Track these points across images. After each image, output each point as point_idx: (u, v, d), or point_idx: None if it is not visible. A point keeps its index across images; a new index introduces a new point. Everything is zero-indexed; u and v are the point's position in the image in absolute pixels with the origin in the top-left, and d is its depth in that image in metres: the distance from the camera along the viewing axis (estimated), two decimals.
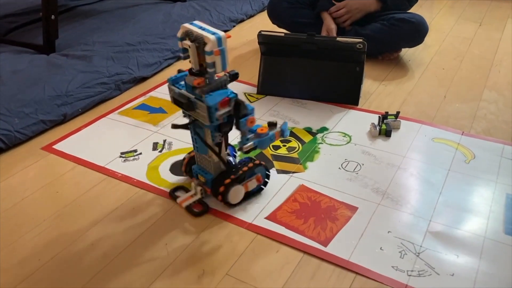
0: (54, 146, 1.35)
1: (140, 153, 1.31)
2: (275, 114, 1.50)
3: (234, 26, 2.29)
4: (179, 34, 0.96)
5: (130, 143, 1.36)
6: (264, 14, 2.13)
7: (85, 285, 0.92)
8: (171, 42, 1.96)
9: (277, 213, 1.09)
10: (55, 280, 0.93)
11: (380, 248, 0.99)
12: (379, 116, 1.41)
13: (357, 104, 1.55)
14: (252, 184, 1.10)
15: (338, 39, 1.54)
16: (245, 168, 1.08)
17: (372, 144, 1.34)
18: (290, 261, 0.96)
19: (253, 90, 1.64)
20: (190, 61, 0.97)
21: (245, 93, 1.62)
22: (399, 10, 1.84)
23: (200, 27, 0.95)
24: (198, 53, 0.95)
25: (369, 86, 1.68)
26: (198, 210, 1.09)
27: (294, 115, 1.49)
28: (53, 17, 1.84)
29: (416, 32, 1.79)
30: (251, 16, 2.42)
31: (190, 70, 0.99)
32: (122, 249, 1.00)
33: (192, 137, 1.07)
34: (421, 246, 0.99)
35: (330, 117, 1.48)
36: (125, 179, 1.21)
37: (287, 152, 1.31)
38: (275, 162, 1.26)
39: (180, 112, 1.47)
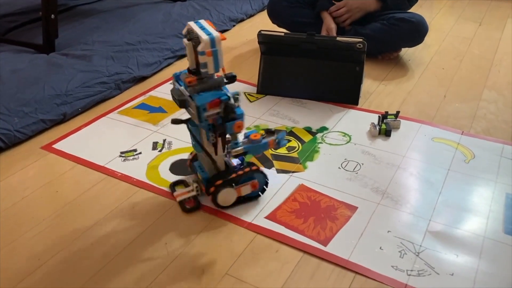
0: (53, 146, 1.35)
1: (140, 153, 1.31)
2: (275, 113, 1.50)
3: (234, 25, 2.28)
4: (183, 31, 0.97)
5: (130, 142, 1.36)
6: (264, 14, 2.13)
7: (84, 284, 0.92)
8: (171, 42, 1.96)
9: (277, 212, 1.09)
10: (54, 280, 0.93)
11: (380, 248, 0.99)
12: (379, 116, 1.41)
13: (357, 103, 1.55)
14: (246, 189, 1.08)
15: (338, 38, 1.54)
16: (240, 172, 1.06)
17: (372, 144, 1.34)
18: (290, 260, 0.96)
19: (253, 89, 1.64)
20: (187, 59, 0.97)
21: (245, 93, 1.62)
22: (399, 10, 1.84)
23: (201, 27, 0.95)
24: (195, 52, 0.95)
25: (369, 85, 1.68)
26: (190, 206, 1.09)
27: (294, 114, 1.49)
28: (53, 16, 1.83)
29: (416, 31, 1.79)
30: (251, 16, 2.41)
31: (188, 68, 0.99)
32: (122, 249, 1.00)
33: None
34: (420, 245, 0.99)
35: (330, 117, 1.48)
36: (125, 179, 1.21)
37: (287, 152, 1.31)
38: (275, 162, 1.26)
39: (180, 111, 1.47)
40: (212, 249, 0.99)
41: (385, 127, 1.37)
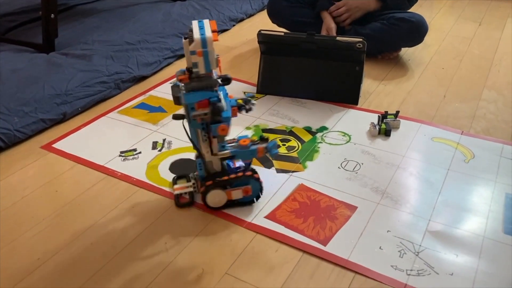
0: (53, 145, 1.35)
1: (140, 152, 1.31)
2: (275, 113, 1.50)
3: (234, 25, 2.28)
4: (188, 29, 0.97)
5: (130, 142, 1.36)
6: (264, 13, 2.13)
7: (84, 284, 0.92)
8: (171, 41, 1.96)
9: (277, 212, 1.09)
10: (54, 279, 0.93)
11: (380, 248, 0.99)
12: (378, 116, 1.41)
13: (356, 103, 1.55)
14: (237, 193, 1.07)
15: (338, 38, 1.54)
16: (233, 176, 1.06)
17: (372, 144, 1.34)
18: (290, 260, 0.96)
19: (253, 89, 1.64)
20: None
21: (244, 92, 1.62)
22: (399, 10, 1.84)
23: (201, 26, 0.96)
24: None
25: (368, 85, 1.68)
26: (183, 201, 1.10)
27: (294, 114, 1.49)
28: (52, 16, 1.83)
29: (415, 31, 1.79)
30: (251, 15, 2.42)
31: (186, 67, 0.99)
32: (122, 248, 1.00)
33: None
34: (420, 245, 1.00)
35: (330, 117, 1.48)
36: (125, 178, 1.21)
37: (286, 151, 1.31)
38: (274, 161, 1.26)
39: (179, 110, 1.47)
40: (212, 248, 1.00)
41: (384, 126, 1.37)
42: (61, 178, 1.22)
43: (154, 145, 1.35)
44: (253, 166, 1.11)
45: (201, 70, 0.94)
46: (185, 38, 0.94)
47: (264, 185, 1.11)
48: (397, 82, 1.72)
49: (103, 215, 1.09)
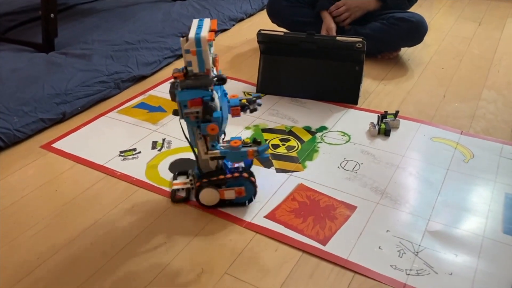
0: (53, 145, 1.35)
1: (139, 152, 1.31)
2: (274, 113, 1.50)
3: (233, 25, 2.28)
4: (188, 28, 0.98)
5: (129, 141, 1.36)
6: (264, 13, 2.13)
7: (83, 283, 0.92)
8: (171, 41, 1.96)
9: (276, 212, 1.09)
10: (54, 279, 0.93)
11: (379, 247, 0.99)
12: (378, 116, 1.41)
13: (356, 103, 1.55)
14: (230, 194, 1.07)
15: (337, 38, 1.54)
16: (228, 176, 1.06)
17: (371, 144, 1.34)
18: (289, 260, 0.96)
19: (253, 89, 1.64)
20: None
21: (244, 92, 1.62)
22: (398, 9, 1.84)
23: (199, 25, 0.96)
24: None
25: (368, 85, 1.68)
26: (179, 197, 1.11)
27: (293, 114, 1.49)
28: (52, 15, 1.83)
29: (415, 31, 1.79)
30: (250, 15, 2.41)
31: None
32: (121, 248, 1.00)
33: None
34: (419, 245, 1.00)
35: (329, 116, 1.48)
36: (124, 178, 1.21)
37: (286, 151, 1.31)
38: (274, 161, 1.26)
39: None
40: (211, 248, 1.00)
41: (384, 126, 1.37)
42: (60, 178, 1.22)
43: (154, 144, 1.35)
44: (253, 167, 1.12)
45: (195, 68, 0.95)
46: (182, 37, 0.95)
47: (261, 187, 1.11)
48: (397, 82, 1.72)
49: (103, 215, 1.09)
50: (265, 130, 1.40)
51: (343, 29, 1.85)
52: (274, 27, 1.93)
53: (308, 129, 1.41)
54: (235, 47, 2.02)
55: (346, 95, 1.56)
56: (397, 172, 1.22)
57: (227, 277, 0.93)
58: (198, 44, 0.92)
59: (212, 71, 0.99)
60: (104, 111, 1.52)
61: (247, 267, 0.95)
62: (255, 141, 1.04)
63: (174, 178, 1.18)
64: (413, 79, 1.74)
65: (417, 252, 0.98)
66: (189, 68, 0.96)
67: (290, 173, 1.22)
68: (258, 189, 1.14)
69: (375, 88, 1.67)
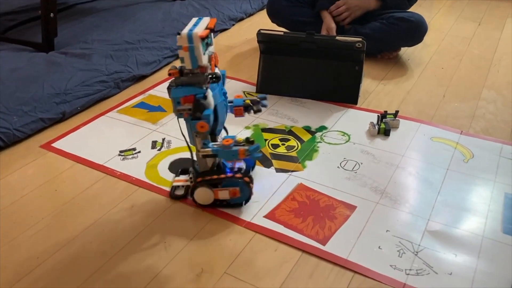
0: (53, 144, 1.35)
1: (139, 152, 1.31)
2: (274, 113, 1.50)
3: (233, 24, 2.28)
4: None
5: (129, 141, 1.36)
6: (264, 13, 2.13)
7: (83, 283, 0.92)
8: (170, 41, 1.96)
9: (276, 211, 1.09)
10: (53, 278, 0.93)
11: (379, 247, 0.99)
12: (378, 115, 1.41)
13: (356, 103, 1.55)
14: (224, 194, 1.06)
15: (337, 38, 1.54)
16: (222, 176, 1.05)
17: (371, 143, 1.34)
18: (289, 259, 0.96)
19: (252, 88, 1.64)
20: None
21: (244, 92, 1.62)
22: (398, 9, 1.84)
23: (196, 23, 0.97)
24: None
25: (368, 85, 1.68)
26: (177, 194, 1.12)
27: (293, 113, 1.49)
28: (52, 15, 1.83)
29: (415, 31, 1.79)
30: (250, 15, 2.42)
31: None
32: (121, 248, 1.00)
33: None
34: (419, 245, 1.00)
35: (329, 116, 1.48)
36: (124, 178, 1.21)
37: (286, 151, 1.31)
38: (274, 161, 1.26)
39: None
40: (211, 248, 1.00)
41: (384, 126, 1.37)
42: (60, 177, 1.22)
43: (154, 144, 1.35)
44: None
45: (188, 65, 0.96)
46: (178, 34, 0.95)
47: (261, 186, 1.11)
48: (397, 81, 1.72)
49: (102, 214, 1.09)
50: (265, 130, 1.40)
51: (343, 28, 1.84)
52: (274, 26, 1.93)
53: (308, 129, 1.41)
54: (235, 47, 2.02)
55: (346, 95, 1.56)
56: (397, 172, 1.22)
57: (226, 277, 0.93)
58: (190, 40, 0.93)
59: (209, 69, 0.99)
60: (104, 111, 1.52)
61: (246, 267, 0.95)
62: (247, 141, 1.04)
63: (177, 175, 1.18)
64: (413, 79, 1.74)
65: (416, 252, 0.98)
66: (181, 65, 0.96)
67: (289, 173, 1.22)
68: (258, 189, 1.14)
69: (375, 88, 1.67)
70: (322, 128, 1.42)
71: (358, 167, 1.24)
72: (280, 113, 1.50)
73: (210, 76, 0.98)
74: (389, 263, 0.95)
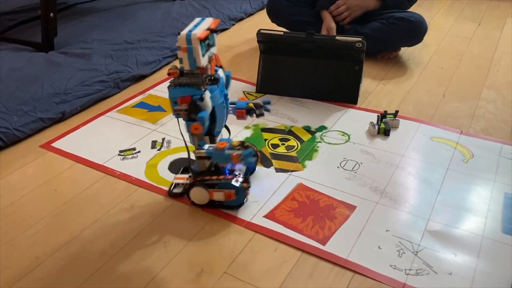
0: (52, 144, 1.35)
1: (139, 151, 1.31)
2: (274, 113, 1.50)
3: (233, 24, 2.28)
4: None
5: (129, 141, 1.36)
6: (264, 13, 2.13)
7: (83, 283, 0.92)
8: (170, 40, 1.96)
9: (276, 211, 1.09)
10: (53, 278, 0.93)
11: (378, 247, 0.99)
12: (378, 115, 1.41)
13: (356, 103, 1.55)
14: (219, 195, 1.06)
15: (337, 38, 1.54)
16: (221, 177, 1.05)
17: (371, 143, 1.34)
18: (288, 259, 0.96)
19: (252, 88, 1.64)
20: None
21: (244, 92, 1.62)
22: (398, 9, 1.84)
23: (197, 24, 0.97)
24: None
25: (368, 85, 1.68)
26: (176, 191, 1.13)
27: (293, 113, 1.49)
28: (52, 15, 1.83)
29: (415, 31, 1.79)
30: (250, 15, 2.41)
31: None
32: (121, 248, 1.00)
33: None
34: (419, 245, 1.00)
35: (329, 116, 1.48)
36: (124, 177, 1.21)
37: (285, 151, 1.31)
38: (273, 161, 1.26)
39: None
40: (211, 248, 1.00)
41: (384, 126, 1.37)
42: (60, 177, 1.22)
43: (153, 144, 1.35)
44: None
45: (186, 66, 0.96)
46: (179, 34, 0.95)
47: (260, 186, 1.11)
48: (397, 81, 1.72)
49: (102, 214, 1.09)
50: (265, 130, 1.40)
51: (343, 28, 1.84)
52: (274, 26, 1.93)
53: (307, 129, 1.41)
54: (235, 47, 2.02)
55: (346, 94, 1.56)
56: (397, 172, 1.22)
57: (226, 277, 0.93)
58: (189, 42, 0.93)
59: (210, 70, 0.99)
60: (104, 111, 1.52)
61: (246, 267, 0.95)
62: (242, 145, 1.04)
63: (179, 173, 1.19)
64: (412, 78, 1.74)
65: (416, 252, 0.98)
66: (180, 65, 0.97)
67: (289, 173, 1.22)
68: (257, 189, 1.14)
69: (375, 87, 1.67)
70: (322, 128, 1.42)
71: (358, 167, 1.24)
72: (280, 113, 1.50)
73: (208, 78, 0.97)
74: (389, 263, 0.95)
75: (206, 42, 0.97)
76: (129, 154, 1.30)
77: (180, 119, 1.01)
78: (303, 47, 1.57)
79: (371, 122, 1.40)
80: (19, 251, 0.99)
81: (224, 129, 1.11)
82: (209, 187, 1.05)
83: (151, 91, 1.65)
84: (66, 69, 1.67)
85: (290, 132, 1.40)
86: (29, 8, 2.28)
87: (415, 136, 1.37)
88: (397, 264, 0.95)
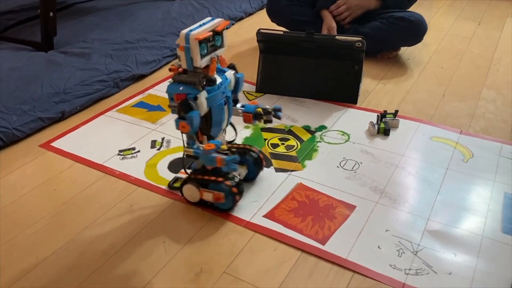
0: (52, 144, 1.35)
1: (138, 151, 1.31)
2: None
3: (233, 24, 2.28)
4: None
5: (128, 141, 1.36)
6: (263, 12, 2.13)
7: (82, 283, 0.92)
8: (170, 40, 1.96)
9: (275, 211, 1.09)
10: (52, 278, 0.93)
11: (378, 247, 0.99)
12: (377, 115, 1.41)
13: (355, 102, 1.55)
14: (208, 196, 1.05)
15: (337, 37, 1.54)
16: (212, 178, 1.04)
17: (371, 143, 1.34)
18: (288, 259, 0.96)
19: (252, 88, 1.64)
20: None
21: (244, 91, 1.62)
22: (398, 9, 1.84)
23: (203, 23, 0.97)
24: None
25: (367, 84, 1.68)
26: (176, 185, 1.14)
27: (293, 113, 1.49)
28: (51, 14, 1.83)
29: (415, 30, 1.79)
30: (250, 14, 2.41)
31: None
32: (120, 247, 0.99)
33: None
34: (418, 244, 0.99)
35: (329, 116, 1.48)
36: (123, 177, 1.20)
37: (285, 150, 1.31)
38: (273, 160, 1.26)
39: None
40: (210, 247, 0.99)
41: (383, 126, 1.37)
42: (59, 177, 1.22)
43: (153, 144, 1.35)
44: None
45: (183, 64, 0.96)
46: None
47: (260, 186, 1.10)
48: (396, 81, 1.72)
49: (102, 214, 1.09)
50: (264, 129, 1.40)
51: (343, 28, 1.84)
52: (274, 26, 1.93)
53: (307, 129, 1.41)
54: (235, 46, 2.01)
55: (346, 94, 1.56)
56: (397, 172, 1.22)
57: (226, 276, 0.92)
58: (187, 41, 0.93)
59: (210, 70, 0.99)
60: (103, 110, 1.52)
61: (246, 267, 0.95)
62: (229, 149, 1.03)
63: (188, 167, 1.17)
64: (412, 78, 1.74)
65: (416, 252, 0.98)
66: (179, 63, 0.97)
67: (289, 173, 1.22)
68: (257, 189, 1.14)
69: (375, 87, 1.67)
70: (322, 128, 1.42)
71: (357, 167, 1.24)
72: None
73: (204, 78, 0.97)
74: (388, 262, 0.95)
75: (210, 43, 0.97)
76: (129, 154, 1.30)
77: None
78: (303, 46, 1.57)
79: (371, 122, 1.40)
80: (18, 251, 0.99)
81: (229, 129, 1.11)
82: (202, 186, 1.05)
83: (151, 91, 1.65)
84: (65, 68, 1.67)
85: (290, 131, 1.40)
86: (29, 7, 2.28)
87: (415, 135, 1.37)
88: (396, 264, 0.95)
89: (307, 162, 1.26)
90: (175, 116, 0.99)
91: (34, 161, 1.28)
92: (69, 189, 1.17)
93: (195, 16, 2.25)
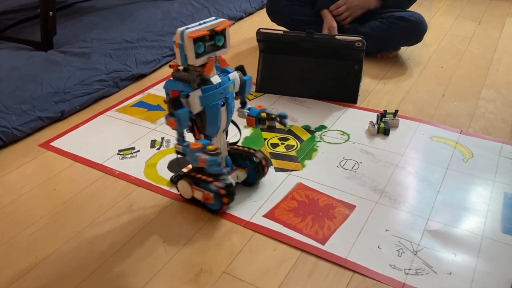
0: (51, 143, 1.35)
1: (138, 151, 1.31)
2: (274, 112, 1.49)
3: (233, 23, 2.28)
4: None
5: (128, 140, 1.35)
6: (263, 12, 2.13)
7: (82, 282, 0.91)
8: (170, 40, 1.96)
9: (275, 211, 1.09)
10: (52, 278, 0.93)
11: (378, 247, 0.99)
12: (377, 115, 1.41)
13: (355, 102, 1.55)
14: (198, 194, 1.05)
15: (337, 37, 1.54)
16: (203, 177, 1.04)
17: (371, 143, 1.34)
18: (288, 259, 0.96)
19: (252, 88, 1.63)
20: None
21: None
22: (398, 8, 1.84)
23: (203, 22, 0.97)
24: None
25: (367, 84, 1.68)
26: (175, 180, 1.13)
27: (293, 113, 1.49)
28: (51, 13, 1.83)
29: (415, 30, 1.79)
30: (250, 14, 2.41)
31: None
32: (120, 247, 0.99)
33: None
34: (418, 244, 0.99)
35: (329, 115, 1.48)
36: (123, 177, 1.20)
37: (285, 150, 1.31)
38: (273, 160, 1.26)
39: None
40: (210, 247, 0.99)
41: (383, 125, 1.37)
42: (59, 176, 1.22)
43: (153, 143, 1.34)
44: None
45: (178, 61, 0.97)
46: None
47: (260, 186, 1.10)
48: (396, 81, 1.72)
49: (101, 214, 1.09)
50: (264, 129, 1.40)
51: (343, 28, 1.84)
52: (274, 26, 1.93)
53: (307, 128, 1.41)
54: (234, 46, 2.01)
55: (346, 94, 1.56)
56: (396, 171, 1.22)
57: (225, 276, 0.92)
58: (182, 38, 0.93)
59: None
60: (103, 110, 1.52)
61: (246, 266, 0.95)
62: (215, 150, 1.02)
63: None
64: (412, 78, 1.74)
65: (416, 252, 0.98)
66: (174, 61, 0.98)
67: (289, 172, 1.22)
68: (257, 188, 1.14)
69: (375, 87, 1.67)
70: (322, 128, 1.42)
71: (357, 167, 1.24)
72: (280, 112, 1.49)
73: (199, 77, 0.97)
74: (388, 262, 0.95)
75: (209, 43, 0.97)
76: (128, 154, 1.30)
77: None
78: (303, 46, 1.57)
79: (371, 122, 1.40)
80: (18, 251, 0.99)
81: (235, 130, 1.11)
82: (195, 184, 1.05)
83: (151, 90, 1.65)
84: (65, 68, 1.67)
85: (289, 131, 1.40)
86: (29, 7, 2.28)
87: (414, 135, 1.37)
88: (396, 264, 0.95)
89: (307, 162, 1.26)
90: None
91: (33, 161, 1.28)
92: (68, 189, 1.17)
93: (195, 15, 2.25)
